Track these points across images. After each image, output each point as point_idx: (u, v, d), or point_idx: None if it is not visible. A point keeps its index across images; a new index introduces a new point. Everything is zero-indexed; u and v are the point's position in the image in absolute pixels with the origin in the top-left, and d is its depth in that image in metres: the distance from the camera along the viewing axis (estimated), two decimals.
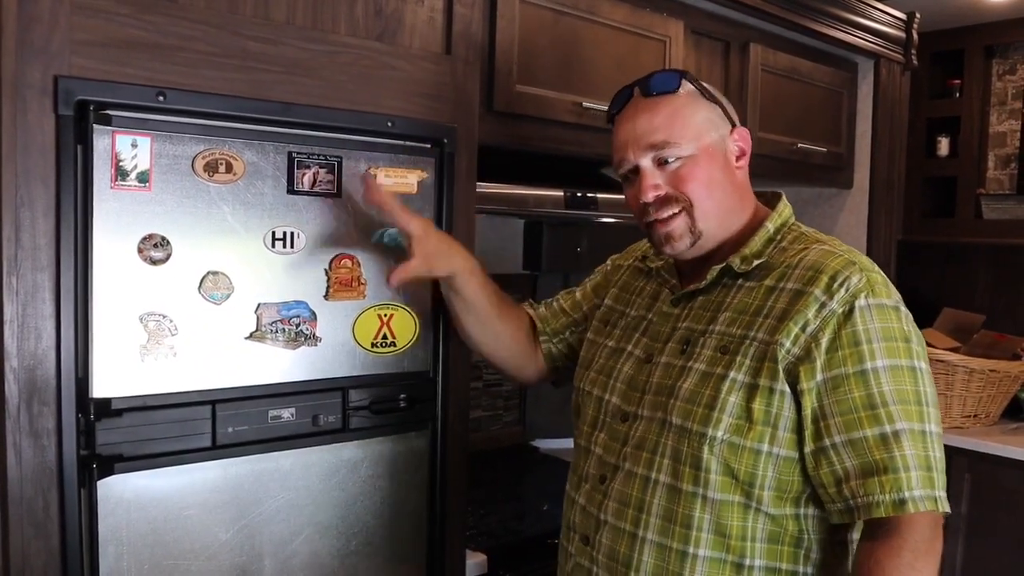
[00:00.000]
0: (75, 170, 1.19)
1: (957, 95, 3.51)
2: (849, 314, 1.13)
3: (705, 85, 1.29)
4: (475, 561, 1.75)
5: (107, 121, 1.20)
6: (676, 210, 1.25)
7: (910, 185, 3.34)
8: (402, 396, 1.53)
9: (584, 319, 1.54)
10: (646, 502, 1.21)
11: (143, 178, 1.24)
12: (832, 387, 1.12)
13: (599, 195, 2.15)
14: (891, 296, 1.17)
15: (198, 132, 1.29)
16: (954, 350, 2.97)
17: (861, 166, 3.01)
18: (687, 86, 1.26)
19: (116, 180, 1.22)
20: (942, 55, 3.52)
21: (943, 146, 3.55)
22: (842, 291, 1.14)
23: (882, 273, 1.20)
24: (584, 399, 1.38)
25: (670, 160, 1.24)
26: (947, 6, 3.14)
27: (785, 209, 1.32)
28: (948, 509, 1.12)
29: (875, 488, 1.10)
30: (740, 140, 1.29)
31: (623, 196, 2.23)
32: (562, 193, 2.08)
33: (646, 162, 1.25)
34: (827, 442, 1.13)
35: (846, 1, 2.69)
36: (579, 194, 2.10)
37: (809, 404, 1.13)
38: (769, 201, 1.34)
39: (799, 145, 2.68)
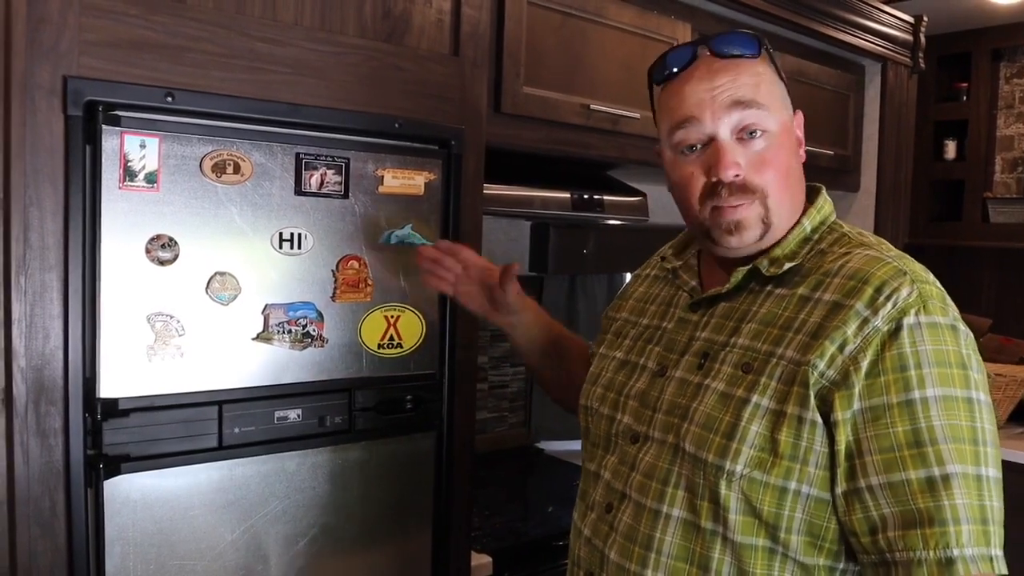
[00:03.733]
0: (84, 170, 1.19)
1: (964, 98, 3.51)
2: (895, 333, 0.95)
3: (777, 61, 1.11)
4: (480, 563, 1.75)
5: (116, 122, 1.21)
6: (749, 200, 1.06)
7: (917, 188, 3.33)
8: (408, 397, 1.53)
9: None
10: (656, 539, 1.04)
11: (151, 179, 1.24)
12: (871, 418, 0.94)
13: (606, 197, 2.15)
14: (947, 313, 0.99)
15: (206, 133, 1.29)
16: None
17: (868, 169, 3.00)
18: (765, 56, 1.09)
19: (124, 180, 1.22)
20: (949, 58, 3.52)
21: (950, 149, 3.55)
22: (888, 306, 0.96)
23: (939, 285, 1.03)
24: (593, 419, 1.21)
25: (756, 134, 1.05)
26: (954, 9, 3.13)
27: (825, 205, 1.14)
28: (1005, 571, 0.95)
29: (917, 542, 0.91)
30: (800, 124, 1.13)
31: (630, 198, 2.26)
32: (569, 195, 2.08)
33: (725, 132, 1.05)
34: (862, 483, 0.95)
35: (853, 4, 2.69)
36: (586, 196, 2.11)
37: (844, 437, 0.95)
38: (807, 195, 1.17)
39: (805, 148, 2.68)
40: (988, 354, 3.00)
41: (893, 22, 2.88)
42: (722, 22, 2.38)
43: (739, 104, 1.05)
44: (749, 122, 1.05)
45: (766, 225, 1.08)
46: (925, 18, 2.98)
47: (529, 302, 1.45)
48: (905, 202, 3.11)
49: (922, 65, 3.04)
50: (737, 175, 1.05)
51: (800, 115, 1.13)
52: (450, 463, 1.60)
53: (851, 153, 2.95)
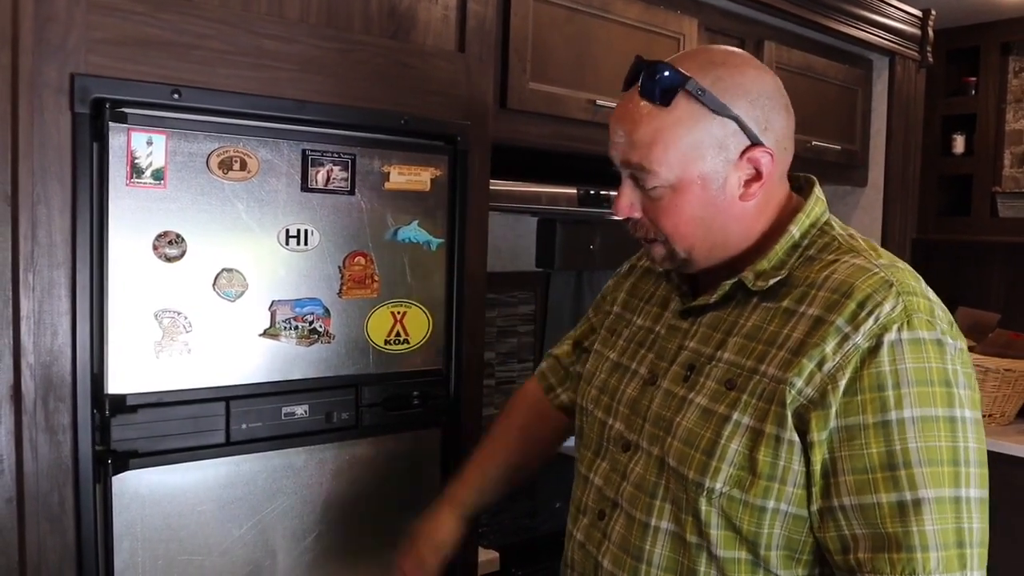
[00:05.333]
0: (91, 167, 1.20)
1: (973, 92, 3.49)
2: (875, 350, 0.92)
3: (718, 95, 1.00)
4: (487, 559, 1.75)
5: (123, 119, 1.21)
6: (652, 237, 1.08)
7: (925, 183, 3.32)
8: (415, 393, 1.53)
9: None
10: (646, 551, 1.05)
11: (158, 175, 1.25)
12: (846, 438, 0.93)
13: (612, 192, 2.14)
14: (934, 327, 0.95)
15: (213, 130, 1.29)
16: (969, 349, 2.95)
17: (876, 164, 2.99)
18: (684, 103, 1.00)
19: (131, 177, 1.22)
20: (958, 52, 3.50)
21: (958, 144, 3.53)
22: (870, 321, 0.93)
23: (929, 295, 0.99)
24: (588, 420, 1.20)
25: (647, 186, 1.04)
26: (963, 3, 3.11)
27: (816, 207, 1.08)
28: None
29: (885, 566, 0.91)
30: (756, 161, 1.02)
31: None
32: (575, 190, 2.08)
33: (625, 173, 1.06)
34: (835, 502, 0.94)
35: None
36: (592, 191, 2.10)
37: (819, 457, 0.94)
38: (801, 187, 1.12)
39: (813, 143, 2.67)
40: (996, 349, 2.98)
41: (901, 16, 2.87)
42: (728, 16, 2.37)
43: (626, 164, 1.05)
44: (638, 177, 1.05)
45: (676, 261, 1.08)
46: (933, 12, 2.96)
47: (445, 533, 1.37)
48: (913, 197, 3.10)
49: (930, 59, 3.03)
50: (630, 216, 1.07)
51: (759, 152, 1.02)
52: (457, 459, 1.60)
53: (859, 148, 2.94)
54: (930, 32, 2.98)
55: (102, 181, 1.20)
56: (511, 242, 2.47)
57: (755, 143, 1.02)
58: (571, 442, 2.71)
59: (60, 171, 1.18)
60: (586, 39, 2.00)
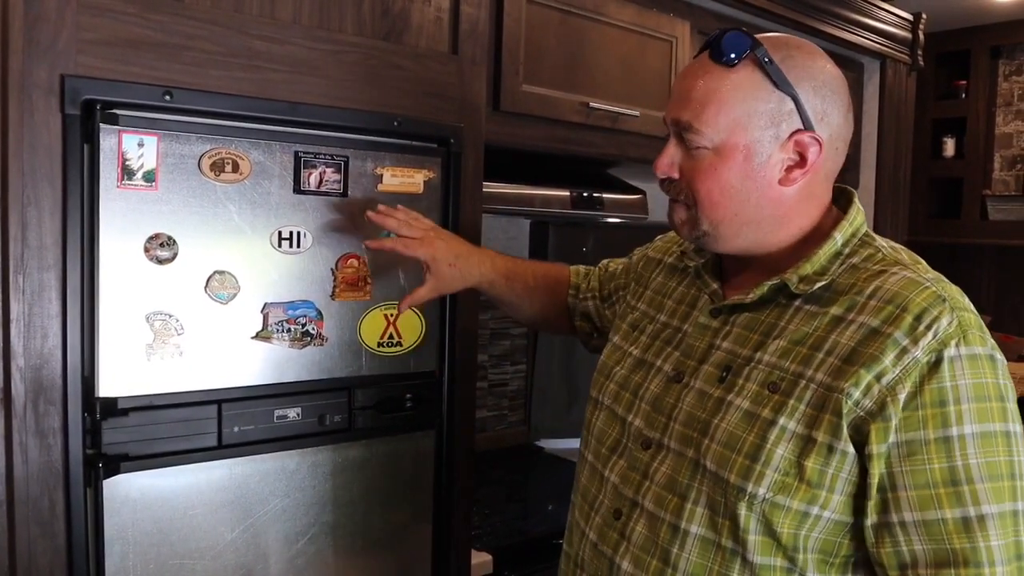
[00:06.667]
0: (81, 169, 1.19)
1: (963, 96, 3.52)
2: (936, 366, 0.92)
3: (784, 71, 1.01)
4: (480, 561, 1.75)
5: (114, 120, 1.20)
6: (680, 199, 1.08)
7: (916, 186, 3.33)
8: (408, 396, 1.53)
9: (609, 296, 1.43)
10: (673, 555, 1.02)
11: (149, 177, 1.24)
12: (907, 453, 0.92)
13: (605, 195, 2.15)
14: (986, 342, 0.96)
15: (204, 131, 1.28)
16: None
17: (867, 167, 3.01)
18: (748, 68, 1.01)
19: (122, 179, 1.22)
20: (948, 56, 3.52)
21: (949, 147, 3.56)
22: (929, 336, 0.93)
23: (974, 311, 0.99)
24: (602, 415, 1.18)
25: (690, 146, 1.04)
26: (953, 7, 3.13)
27: (857, 216, 1.09)
28: None
29: None
30: (804, 147, 1.03)
31: (629, 196, 2.25)
32: (568, 193, 2.08)
33: (673, 130, 1.07)
34: (894, 518, 0.93)
35: (852, 2, 2.69)
36: (585, 194, 2.10)
37: (877, 470, 0.93)
38: (837, 199, 1.12)
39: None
40: None
41: (892, 19, 2.88)
42: (721, 20, 2.38)
43: (676, 122, 1.06)
44: (683, 135, 1.05)
45: (697, 231, 1.08)
46: (924, 15, 2.98)
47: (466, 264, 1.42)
48: (904, 200, 3.12)
49: (921, 63, 3.04)
50: (668, 175, 1.07)
51: (808, 138, 1.03)
52: (450, 461, 1.60)
53: (850, 151, 2.94)
54: (921, 35, 2.99)
55: (93, 183, 1.19)
56: (504, 244, 2.47)
57: (807, 128, 1.02)
58: (561, 443, 2.72)
59: (50, 173, 1.17)
60: (579, 41, 2.00)
